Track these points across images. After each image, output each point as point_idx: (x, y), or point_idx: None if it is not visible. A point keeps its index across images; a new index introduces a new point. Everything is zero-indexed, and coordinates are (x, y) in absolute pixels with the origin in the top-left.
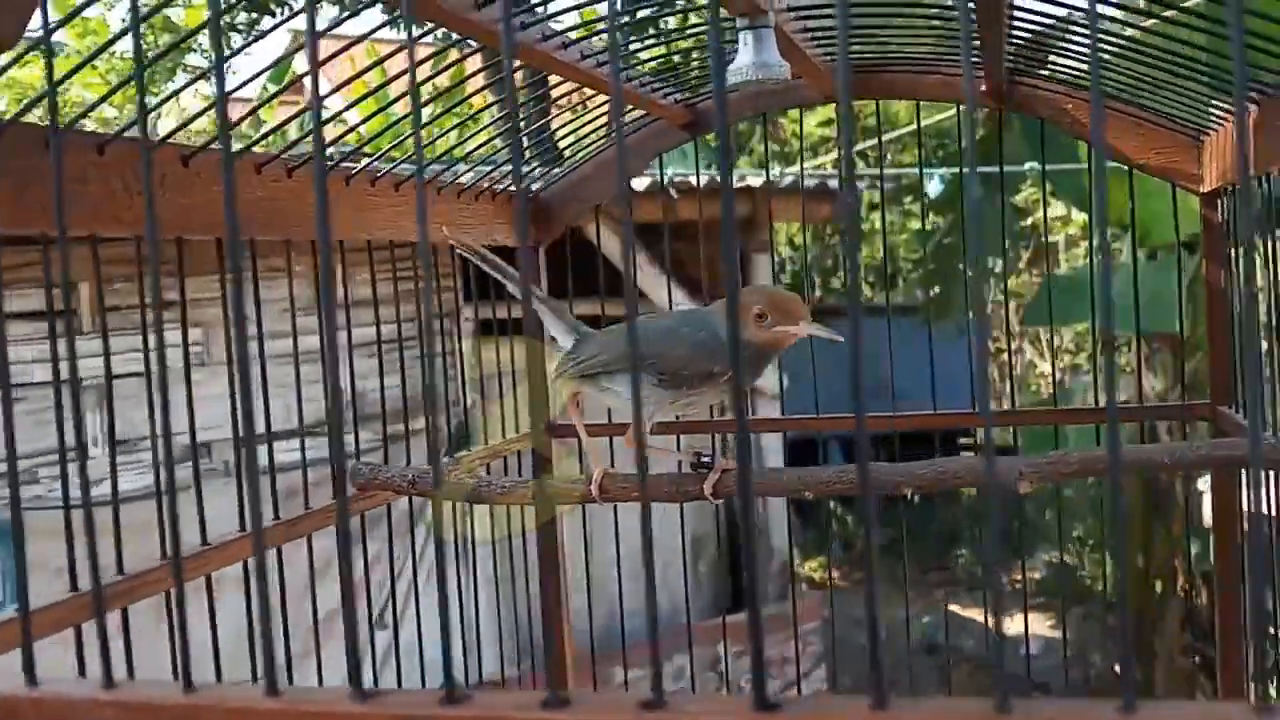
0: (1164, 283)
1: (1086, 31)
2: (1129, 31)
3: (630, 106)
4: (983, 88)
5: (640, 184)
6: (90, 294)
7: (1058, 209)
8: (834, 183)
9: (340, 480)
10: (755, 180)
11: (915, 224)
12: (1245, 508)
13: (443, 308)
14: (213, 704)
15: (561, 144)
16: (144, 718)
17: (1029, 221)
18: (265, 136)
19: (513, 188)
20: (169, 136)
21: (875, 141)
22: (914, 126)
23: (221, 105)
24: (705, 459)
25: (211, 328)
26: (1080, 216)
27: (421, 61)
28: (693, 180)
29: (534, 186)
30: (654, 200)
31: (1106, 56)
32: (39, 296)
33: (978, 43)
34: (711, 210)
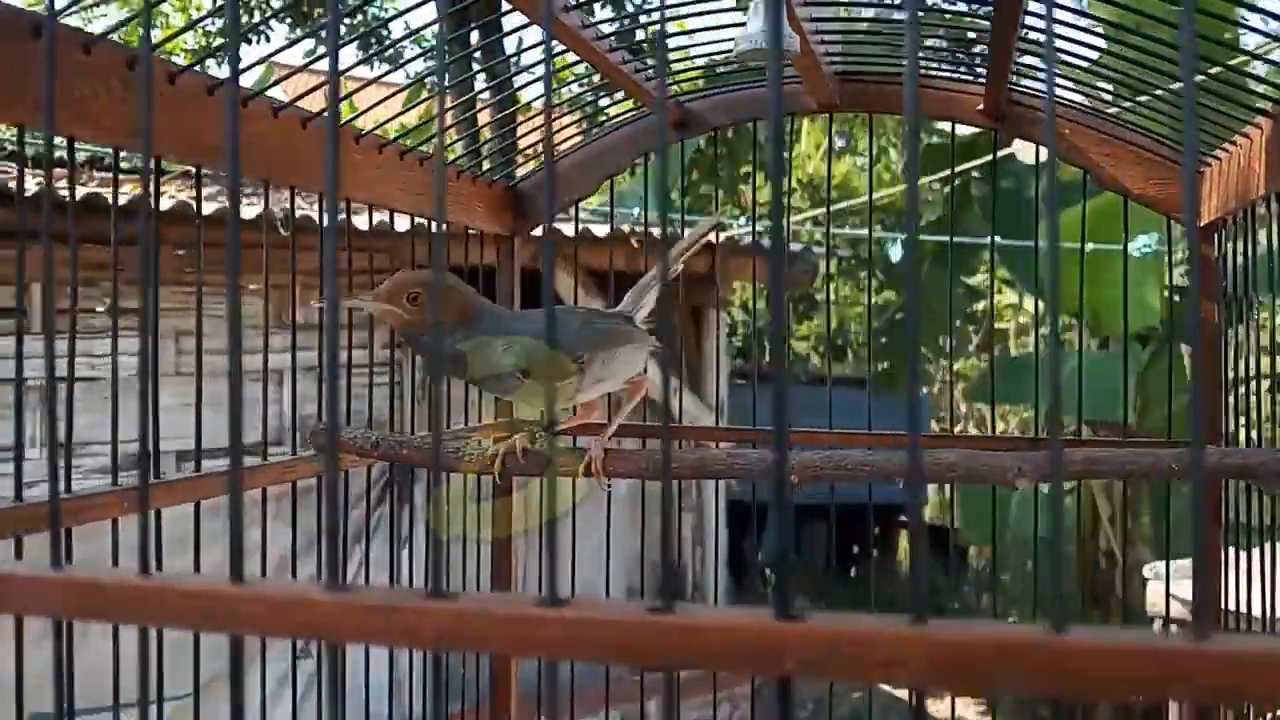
0: (1114, 372)
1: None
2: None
3: (620, 91)
4: (979, 106)
5: (600, 230)
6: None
7: (1010, 296)
8: (794, 245)
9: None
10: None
11: (869, 298)
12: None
13: (394, 339)
14: (171, 587)
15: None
16: (92, 599)
17: (980, 306)
18: None
19: (494, 176)
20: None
21: (829, 210)
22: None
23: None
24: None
25: (163, 338)
26: (1033, 304)
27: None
28: (656, 233)
29: (515, 177)
30: (617, 249)
31: (1109, 85)
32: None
33: (985, 60)
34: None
